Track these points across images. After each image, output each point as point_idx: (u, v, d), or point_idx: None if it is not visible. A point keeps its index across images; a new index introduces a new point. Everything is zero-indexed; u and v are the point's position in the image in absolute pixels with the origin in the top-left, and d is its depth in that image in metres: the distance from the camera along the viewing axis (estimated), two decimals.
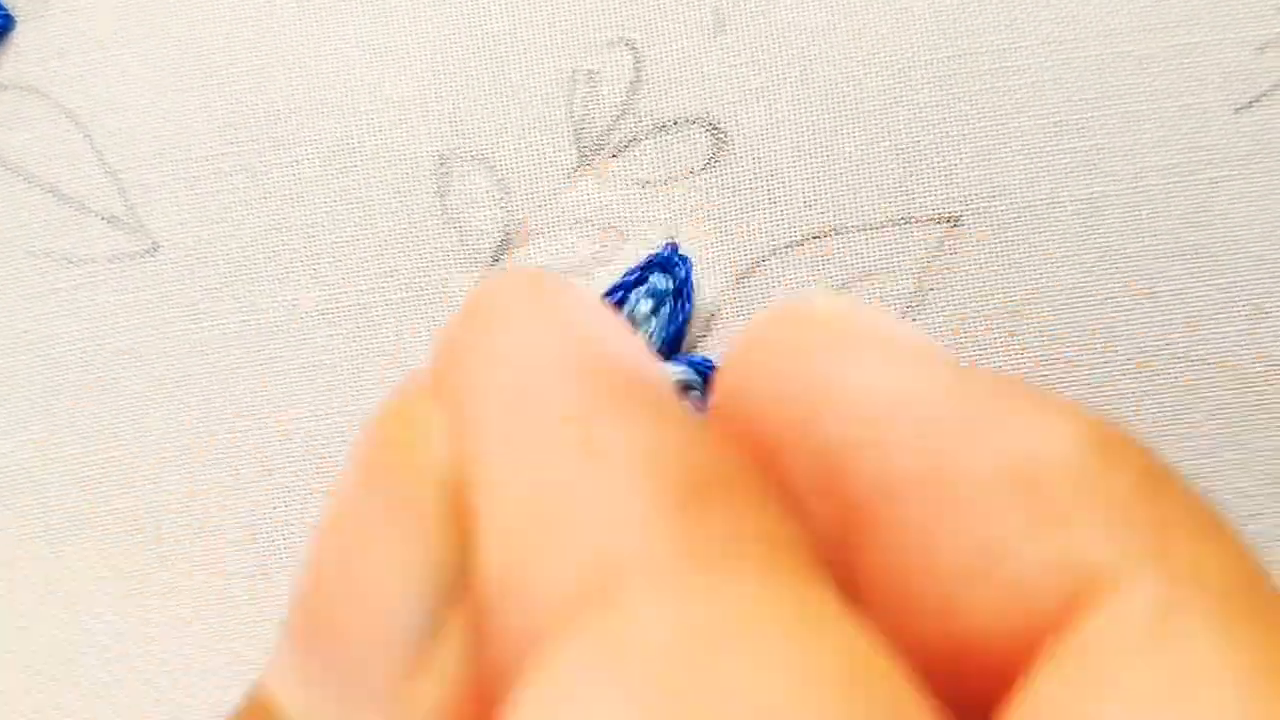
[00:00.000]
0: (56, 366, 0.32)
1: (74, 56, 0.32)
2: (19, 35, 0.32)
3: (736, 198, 0.31)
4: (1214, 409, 0.30)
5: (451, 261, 0.31)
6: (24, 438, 0.32)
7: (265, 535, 0.31)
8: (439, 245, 0.31)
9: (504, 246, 0.31)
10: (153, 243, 0.32)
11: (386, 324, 0.31)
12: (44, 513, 0.32)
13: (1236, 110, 0.30)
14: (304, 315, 0.32)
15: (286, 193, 0.32)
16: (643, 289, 0.31)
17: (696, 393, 0.30)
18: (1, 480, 0.32)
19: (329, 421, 0.31)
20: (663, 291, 0.30)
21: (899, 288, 0.30)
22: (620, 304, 0.31)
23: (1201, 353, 0.30)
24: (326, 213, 0.32)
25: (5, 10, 0.33)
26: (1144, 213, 0.30)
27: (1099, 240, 0.30)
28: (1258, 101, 0.30)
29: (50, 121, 0.32)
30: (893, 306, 0.30)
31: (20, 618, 0.32)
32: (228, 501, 0.31)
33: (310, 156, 0.32)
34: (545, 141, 0.31)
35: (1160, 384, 0.30)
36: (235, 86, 0.32)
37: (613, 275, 0.31)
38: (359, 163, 0.32)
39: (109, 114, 0.32)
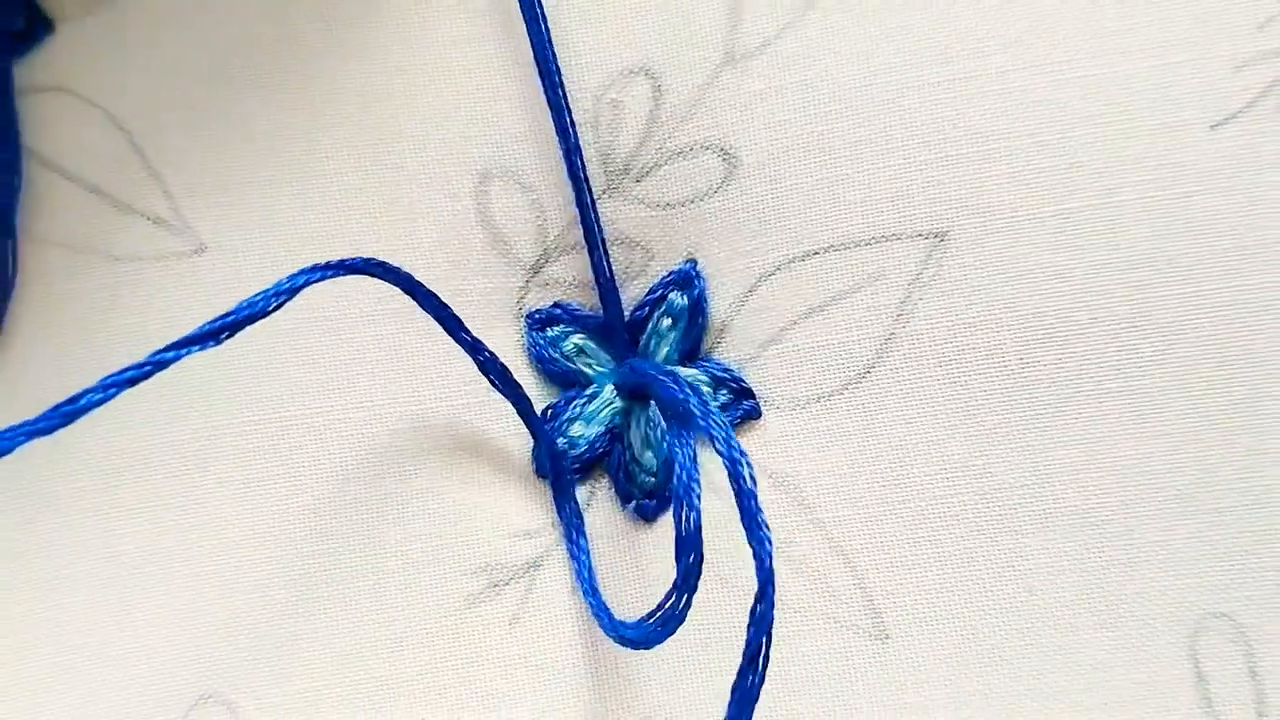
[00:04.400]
0: (102, 361, 0.33)
1: (113, 60, 0.34)
2: (58, 39, 0.34)
3: (745, 217, 0.33)
4: (1185, 412, 0.32)
5: (493, 272, 0.34)
6: (72, 427, 0.32)
7: (306, 513, 0.33)
8: (481, 257, 0.34)
9: (543, 260, 0.34)
10: (200, 243, 0.34)
11: (432, 327, 0.32)
12: (88, 496, 0.33)
13: (1212, 127, 0.32)
14: (351, 316, 0.34)
15: (331, 202, 0.34)
16: (663, 307, 0.34)
17: (708, 392, 0.34)
18: (47, 466, 0.33)
19: (370, 411, 0.34)
20: (681, 308, 0.33)
21: (888, 299, 0.33)
22: (645, 321, 0.34)
23: (1176, 355, 0.32)
24: (372, 222, 0.34)
25: (43, 14, 0.33)
26: (1121, 226, 0.32)
27: (1078, 252, 0.32)
28: (1233, 119, 0.31)
29: (91, 123, 0.34)
30: (885, 315, 0.33)
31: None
32: (272, 484, 0.34)
33: (354, 169, 0.34)
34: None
35: (1135, 388, 0.32)
36: (277, 95, 0.34)
37: (640, 288, 0.34)
38: (401, 178, 0.34)
39: (150, 116, 0.34)
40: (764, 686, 0.33)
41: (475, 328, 0.33)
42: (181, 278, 0.34)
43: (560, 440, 0.34)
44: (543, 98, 0.33)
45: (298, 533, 0.34)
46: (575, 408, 0.34)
